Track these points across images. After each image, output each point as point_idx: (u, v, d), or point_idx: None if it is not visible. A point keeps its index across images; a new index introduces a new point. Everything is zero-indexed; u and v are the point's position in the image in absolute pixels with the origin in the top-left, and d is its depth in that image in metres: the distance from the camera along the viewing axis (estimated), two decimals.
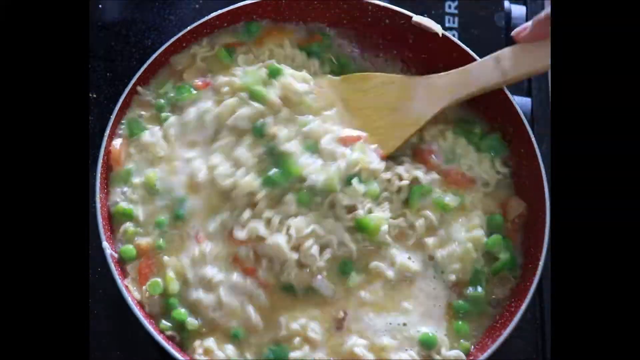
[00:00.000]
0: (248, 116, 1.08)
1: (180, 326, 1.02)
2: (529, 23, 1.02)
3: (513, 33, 1.04)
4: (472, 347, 1.05)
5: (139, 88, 1.13)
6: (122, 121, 1.13)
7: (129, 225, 1.06)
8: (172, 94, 1.14)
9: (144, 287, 1.03)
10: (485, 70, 1.08)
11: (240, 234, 1.03)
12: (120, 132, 1.12)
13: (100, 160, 1.06)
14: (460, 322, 1.05)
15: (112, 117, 1.08)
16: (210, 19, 1.16)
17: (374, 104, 1.12)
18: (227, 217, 1.05)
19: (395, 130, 1.10)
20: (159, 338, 0.98)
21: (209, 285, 1.02)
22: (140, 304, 1.02)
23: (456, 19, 1.35)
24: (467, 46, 1.15)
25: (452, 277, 1.06)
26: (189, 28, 1.15)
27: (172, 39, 1.14)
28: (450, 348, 1.03)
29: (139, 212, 1.07)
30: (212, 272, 1.02)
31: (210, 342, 1.00)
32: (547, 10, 0.94)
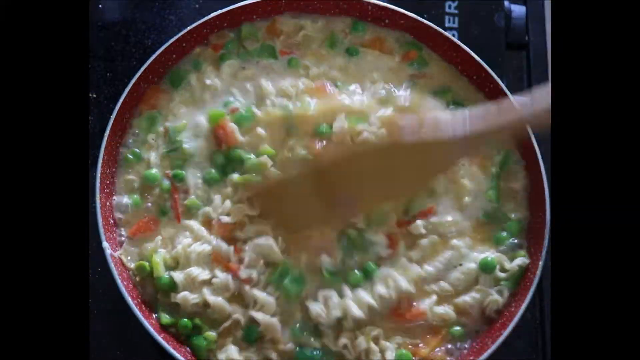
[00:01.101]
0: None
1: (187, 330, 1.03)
2: None
3: None
4: (527, 255, 1.07)
5: (212, 36, 1.19)
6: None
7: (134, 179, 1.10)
8: (256, 46, 1.18)
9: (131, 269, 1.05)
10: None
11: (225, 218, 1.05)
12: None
13: (101, 160, 1.06)
14: (503, 233, 1.08)
15: (112, 117, 1.08)
16: (210, 19, 1.16)
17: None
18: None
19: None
20: (159, 338, 0.98)
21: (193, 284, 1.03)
22: (139, 297, 1.03)
23: (456, 19, 1.35)
24: (467, 46, 1.15)
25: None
26: (188, 28, 1.15)
27: (172, 39, 1.14)
28: (511, 260, 1.07)
29: (152, 157, 1.10)
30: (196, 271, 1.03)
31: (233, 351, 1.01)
32: None
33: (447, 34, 1.16)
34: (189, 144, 1.11)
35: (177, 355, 0.97)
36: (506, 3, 1.37)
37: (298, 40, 1.19)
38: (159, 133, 1.13)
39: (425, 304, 1.03)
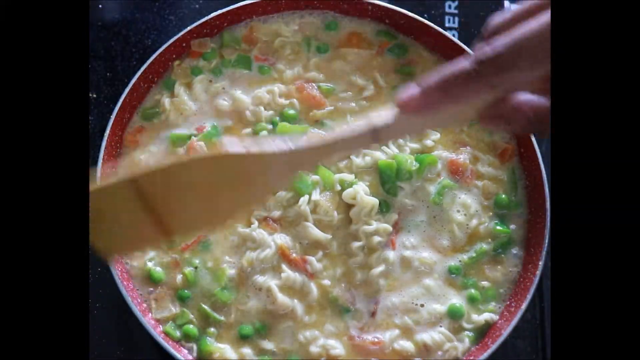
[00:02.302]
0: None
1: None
2: (416, 91, 0.72)
3: (398, 101, 0.73)
4: (498, 312, 1.06)
5: (193, 42, 1.18)
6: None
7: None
8: (233, 58, 1.18)
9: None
10: (357, 140, 0.77)
11: None
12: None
13: (101, 160, 1.06)
14: (473, 291, 1.06)
15: (112, 117, 1.08)
16: (210, 19, 1.16)
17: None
18: None
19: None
20: (159, 338, 0.98)
21: None
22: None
23: (456, 19, 1.35)
24: (467, 46, 1.15)
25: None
26: (189, 28, 1.15)
27: (172, 39, 1.14)
28: (479, 313, 1.05)
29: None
30: None
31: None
32: (437, 76, 0.70)
33: (447, 34, 1.16)
34: None
35: (177, 355, 0.98)
36: (506, 3, 1.37)
37: (275, 47, 1.18)
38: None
39: (386, 336, 1.03)
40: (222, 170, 0.80)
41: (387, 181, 1.08)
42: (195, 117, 1.14)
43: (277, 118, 1.12)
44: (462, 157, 1.12)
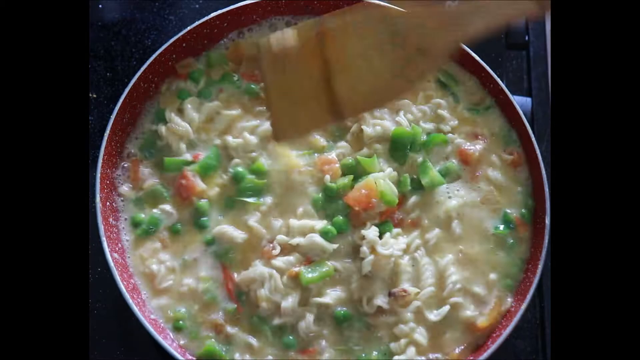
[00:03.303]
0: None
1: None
2: None
3: None
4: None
5: (178, 64, 1.16)
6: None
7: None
8: (216, 78, 1.17)
9: None
10: None
11: None
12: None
13: (101, 160, 1.06)
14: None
15: (112, 117, 1.08)
16: (210, 19, 1.16)
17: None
18: None
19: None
20: (159, 338, 0.98)
21: None
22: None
23: None
24: (467, 46, 1.15)
25: None
26: (189, 28, 1.15)
27: (172, 39, 1.14)
28: None
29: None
30: None
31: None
32: None
33: None
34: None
35: (177, 355, 0.98)
36: None
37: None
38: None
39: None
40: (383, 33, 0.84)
41: (399, 149, 1.09)
42: (195, 140, 1.12)
43: None
44: (474, 148, 1.11)
